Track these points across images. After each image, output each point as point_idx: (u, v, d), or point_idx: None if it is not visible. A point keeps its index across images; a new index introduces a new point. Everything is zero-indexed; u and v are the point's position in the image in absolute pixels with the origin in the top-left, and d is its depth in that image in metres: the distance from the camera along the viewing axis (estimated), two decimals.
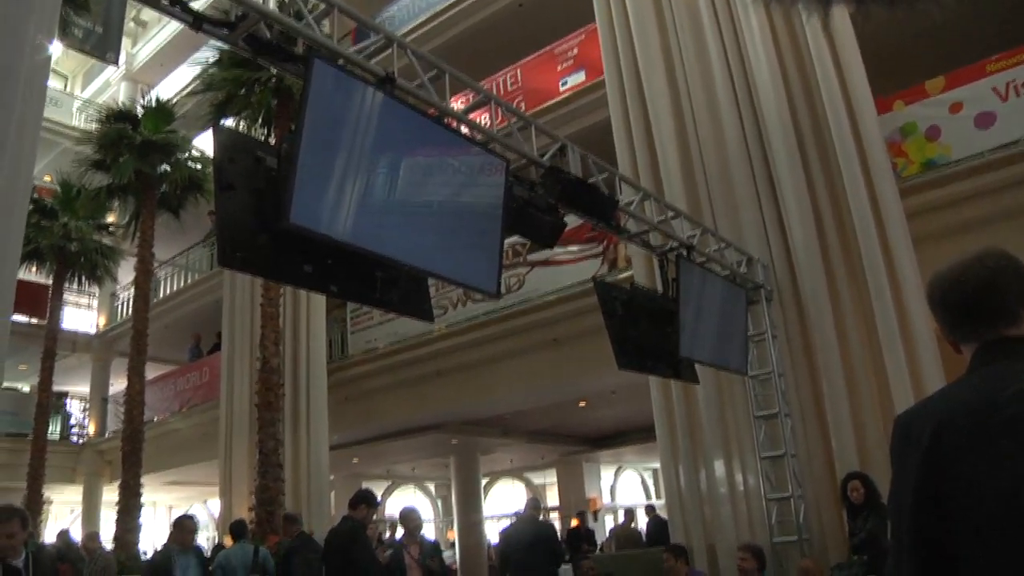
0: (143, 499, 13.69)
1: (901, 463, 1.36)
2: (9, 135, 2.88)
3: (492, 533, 18.45)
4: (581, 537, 13.35)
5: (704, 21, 9.09)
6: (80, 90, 24.82)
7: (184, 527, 6.89)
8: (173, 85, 19.34)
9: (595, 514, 19.93)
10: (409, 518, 7.53)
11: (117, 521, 13.26)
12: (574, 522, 15.25)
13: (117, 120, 14.80)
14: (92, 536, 10.64)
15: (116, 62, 14.99)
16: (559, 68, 12.60)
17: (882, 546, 5.64)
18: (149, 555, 12.42)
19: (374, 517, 7.77)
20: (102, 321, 21.24)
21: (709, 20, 9.06)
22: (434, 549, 7.75)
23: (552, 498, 22.52)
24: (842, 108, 7.97)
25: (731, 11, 8.92)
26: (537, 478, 23.80)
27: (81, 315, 21.18)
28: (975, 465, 1.24)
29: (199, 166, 15.24)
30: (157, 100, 15.51)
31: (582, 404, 14.84)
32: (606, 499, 21.40)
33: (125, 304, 19.80)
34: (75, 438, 20.60)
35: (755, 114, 8.58)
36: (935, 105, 8.53)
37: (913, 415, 1.41)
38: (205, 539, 19.38)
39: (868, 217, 7.64)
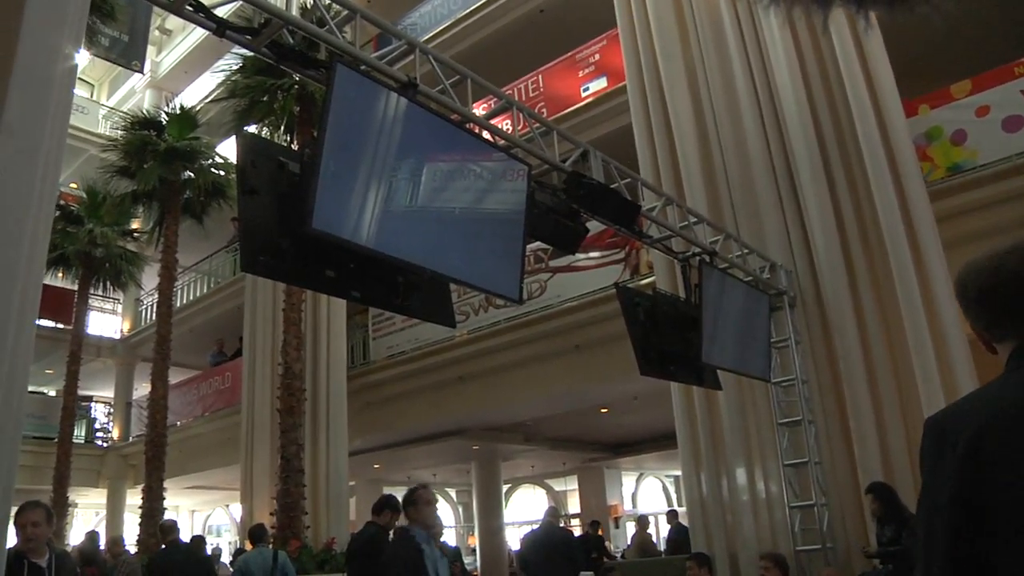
0: (166, 503, 13.78)
1: (935, 468, 1.28)
2: (38, 142, 2.92)
3: (513, 539, 18.44)
4: (591, 545, 13.26)
5: (726, 26, 9.06)
6: (106, 98, 25.12)
7: (422, 498, 4.78)
8: (197, 92, 19.54)
9: (616, 521, 19.85)
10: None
11: (140, 525, 13.35)
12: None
13: (142, 127, 14.96)
14: (116, 540, 10.69)
15: (141, 70, 15.23)
16: (580, 74, 12.59)
17: (913, 558, 5.54)
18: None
19: (396, 523, 7.76)
20: (126, 326, 21.46)
21: (731, 24, 9.02)
22: (455, 555, 7.74)
23: (573, 505, 22.44)
24: (869, 112, 7.90)
25: (752, 15, 8.88)
26: (558, 485, 23.74)
27: (106, 320, 21.41)
28: (1021, 471, 1.17)
29: (222, 172, 15.36)
30: (181, 107, 15.67)
31: (604, 410, 14.79)
32: (627, 506, 21.31)
33: (149, 309, 19.99)
34: (100, 442, 20.81)
35: (777, 119, 8.53)
36: (961, 109, 8.44)
37: (949, 417, 1.32)
38: (227, 543, 19.50)
39: (897, 221, 7.55)
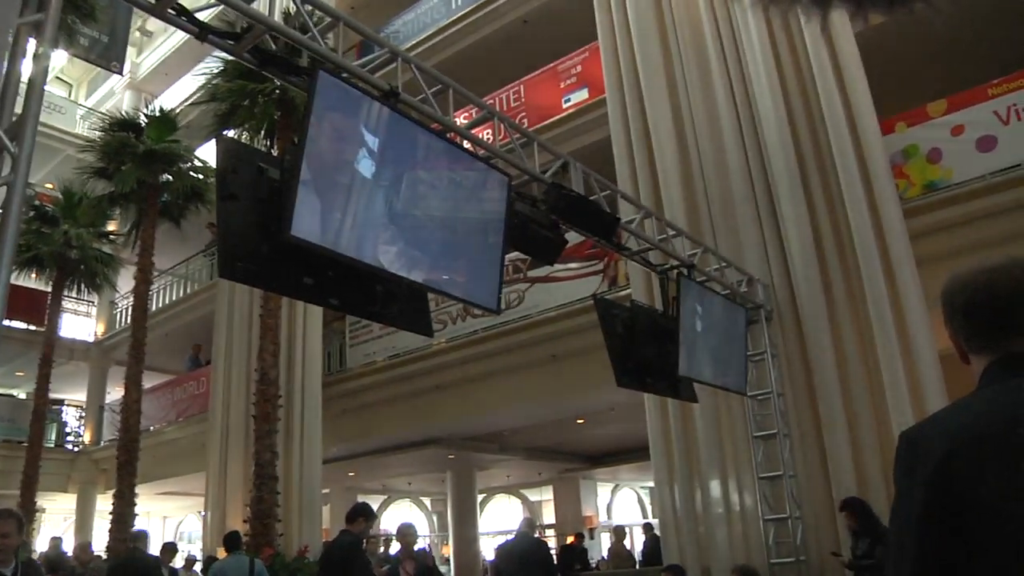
0: (137, 509, 13.60)
1: (907, 482, 1.27)
2: None
3: (487, 549, 18.37)
4: (574, 556, 13.29)
5: (707, 41, 9.13)
6: (84, 98, 24.89)
7: None
8: (177, 95, 19.40)
9: (591, 532, 19.86)
10: (406, 534, 7.49)
11: (111, 530, 13.17)
12: (570, 539, 15.16)
13: (120, 129, 14.80)
14: (84, 547, 10.58)
15: (121, 71, 15.12)
16: (562, 85, 12.62)
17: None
18: None
19: (370, 532, 7.73)
20: (100, 329, 21.21)
21: (712, 40, 9.10)
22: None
23: (548, 515, 22.42)
24: (845, 129, 8.00)
25: (734, 31, 8.97)
26: (533, 495, 23.71)
27: (79, 322, 21.15)
28: (995, 488, 1.17)
29: (201, 176, 15.24)
30: (161, 109, 15.52)
31: (580, 421, 14.80)
32: (602, 517, 21.31)
33: (124, 312, 19.79)
34: (70, 446, 20.52)
35: (756, 134, 8.61)
36: (937, 127, 8.55)
37: (922, 431, 1.32)
38: (198, 550, 19.30)
39: (870, 238, 7.64)
